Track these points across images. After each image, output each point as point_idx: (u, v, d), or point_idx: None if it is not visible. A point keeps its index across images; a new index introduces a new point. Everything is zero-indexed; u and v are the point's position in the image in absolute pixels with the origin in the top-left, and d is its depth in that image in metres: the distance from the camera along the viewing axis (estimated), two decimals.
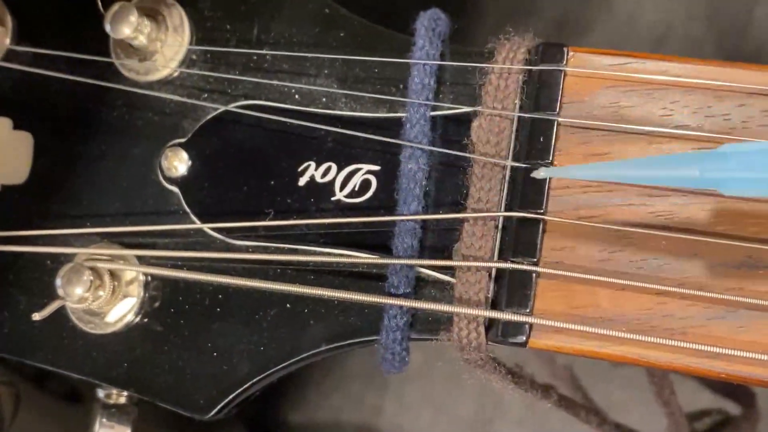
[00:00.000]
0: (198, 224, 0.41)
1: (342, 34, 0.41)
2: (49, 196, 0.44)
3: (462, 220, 0.36)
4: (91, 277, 0.40)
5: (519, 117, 0.36)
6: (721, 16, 0.78)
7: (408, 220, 0.37)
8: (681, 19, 0.78)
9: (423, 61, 0.38)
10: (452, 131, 0.38)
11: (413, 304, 0.36)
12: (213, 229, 0.40)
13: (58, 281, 0.39)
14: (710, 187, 0.31)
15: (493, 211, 0.36)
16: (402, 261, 0.36)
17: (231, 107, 0.41)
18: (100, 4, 0.42)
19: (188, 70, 0.42)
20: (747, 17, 0.78)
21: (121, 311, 0.41)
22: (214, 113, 0.42)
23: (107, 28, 0.41)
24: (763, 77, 0.35)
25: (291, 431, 0.83)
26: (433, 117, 0.38)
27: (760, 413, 0.60)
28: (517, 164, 0.36)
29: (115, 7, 0.41)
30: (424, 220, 0.37)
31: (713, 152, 0.31)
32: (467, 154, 0.37)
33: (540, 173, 0.34)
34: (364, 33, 0.40)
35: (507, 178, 0.36)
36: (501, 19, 0.79)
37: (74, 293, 0.39)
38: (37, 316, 0.39)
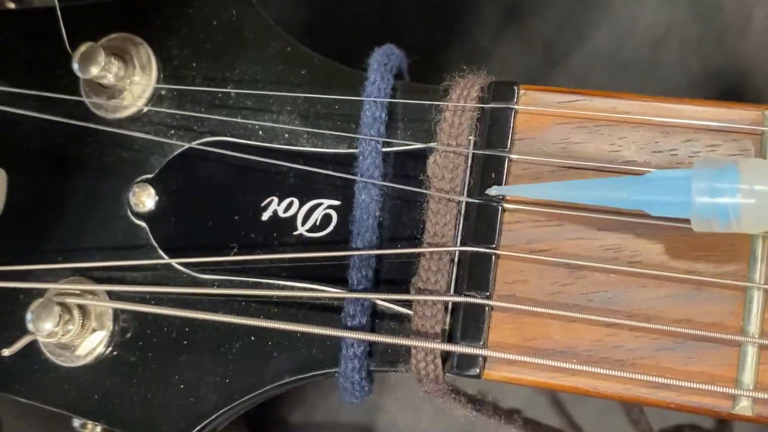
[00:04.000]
0: (165, 259, 0.42)
1: (303, 72, 0.42)
2: (23, 232, 0.44)
3: (419, 254, 0.37)
4: (60, 312, 0.40)
5: (473, 153, 0.37)
6: (721, 16, 0.79)
7: (363, 253, 0.38)
8: (681, 19, 0.79)
9: (373, 99, 0.38)
10: (409, 166, 0.39)
11: (369, 338, 0.37)
12: (179, 263, 0.41)
13: (28, 316, 0.40)
14: (638, 209, 0.33)
15: (449, 246, 0.37)
16: (360, 295, 0.37)
17: (196, 144, 0.42)
18: (67, 44, 0.43)
19: (155, 108, 0.43)
20: (747, 17, 0.78)
21: (91, 344, 0.42)
22: (181, 149, 0.43)
23: (75, 68, 0.42)
24: (708, 113, 0.36)
25: (291, 431, 0.84)
26: (388, 152, 0.39)
27: (734, 428, 0.60)
28: (471, 200, 0.37)
29: (83, 47, 0.42)
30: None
31: (640, 177, 0.33)
32: (420, 189, 0.38)
33: (492, 191, 0.36)
34: (325, 70, 0.41)
35: (462, 213, 0.37)
36: (502, 19, 0.80)
37: (44, 328, 0.40)
38: (6, 352, 0.40)
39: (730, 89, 0.78)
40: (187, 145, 0.42)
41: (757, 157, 0.35)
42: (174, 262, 0.41)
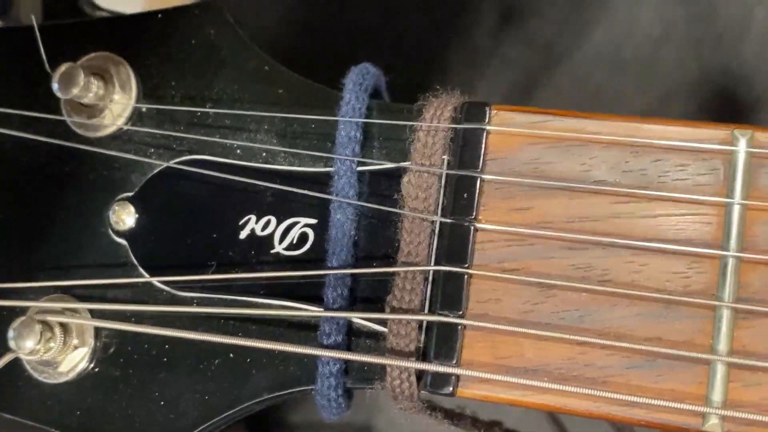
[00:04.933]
0: (144, 277, 0.42)
1: (280, 91, 0.42)
2: (4, 250, 0.45)
3: (393, 273, 0.38)
4: (42, 330, 0.41)
5: (446, 173, 0.38)
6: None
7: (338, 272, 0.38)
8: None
9: (348, 119, 0.39)
10: (384, 185, 0.39)
11: (343, 356, 0.37)
12: (158, 281, 0.41)
13: (10, 334, 0.41)
14: None
15: (422, 265, 0.37)
16: (334, 314, 0.38)
17: (175, 162, 0.42)
18: (47, 64, 0.43)
19: (135, 127, 0.43)
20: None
21: (73, 361, 0.43)
22: (160, 168, 0.43)
23: (54, 88, 0.42)
24: (678, 132, 0.36)
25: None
26: (364, 171, 0.40)
27: None
28: (444, 219, 0.37)
29: (62, 68, 0.42)
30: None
31: None
32: (394, 209, 0.38)
33: None
34: (301, 89, 0.42)
35: (436, 232, 0.38)
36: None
37: (25, 346, 0.41)
38: None
39: (729, 89, 0.78)
40: (165, 164, 0.43)
41: (726, 177, 0.35)
42: (154, 280, 0.42)
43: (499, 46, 0.81)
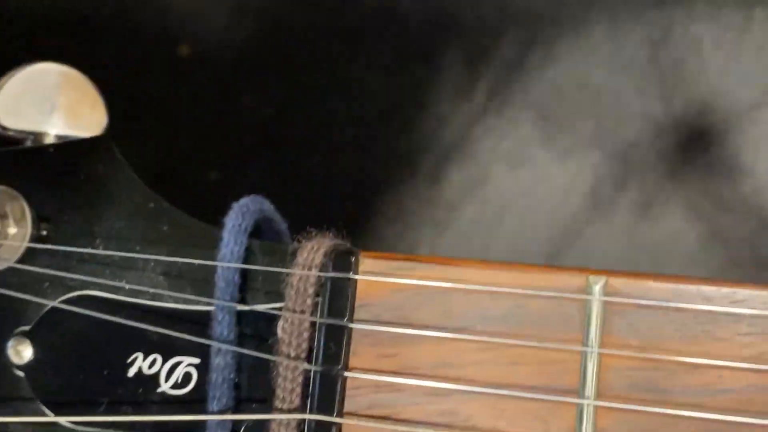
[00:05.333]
0: (42, 412, 0.43)
1: (165, 228, 0.43)
2: None
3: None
4: None
5: (316, 319, 0.39)
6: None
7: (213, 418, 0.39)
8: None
9: (225, 263, 0.40)
10: (263, 328, 0.40)
11: None
12: (48, 420, 0.43)
13: None
14: None
15: (296, 412, 0.38)
16: None
17: (66, 298, 0.43)
18: None
19: (28, 264, 0.44)
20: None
21: None
22: (54, 303, 0.44)
23: None
24: (535, 279, 0.37)
25: None
26: (244, 311, 0.40)
27: None
28: (314, 367, 0.38)
29: None
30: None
31: None
32: (266, 355, 0.39)
33: None
34: (185, 227, 0.43)
35: (311, 378, 0.39)
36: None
37: None
38: None
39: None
40: (57, 300, 0.44)
41: (582, 323, 0.36)
42: (46, 419, 0.43)
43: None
